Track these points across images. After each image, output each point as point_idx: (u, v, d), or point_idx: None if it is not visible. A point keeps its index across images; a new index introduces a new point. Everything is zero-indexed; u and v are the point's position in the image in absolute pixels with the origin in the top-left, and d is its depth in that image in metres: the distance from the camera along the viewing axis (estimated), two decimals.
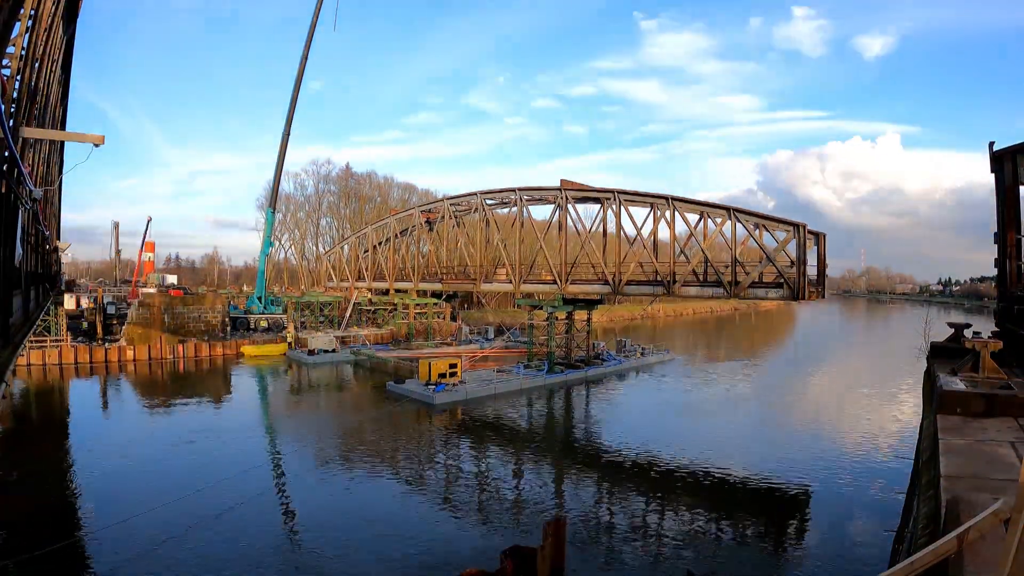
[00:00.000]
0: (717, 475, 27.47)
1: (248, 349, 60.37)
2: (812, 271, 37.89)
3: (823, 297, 39.06)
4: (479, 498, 24.60)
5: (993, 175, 14.09)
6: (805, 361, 72.07)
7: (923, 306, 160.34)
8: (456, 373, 43.88)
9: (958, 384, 9.43)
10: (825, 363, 71.57)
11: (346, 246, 79.26)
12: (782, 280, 38.73)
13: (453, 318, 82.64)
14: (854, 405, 43.91)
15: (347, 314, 74.25)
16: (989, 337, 11.81)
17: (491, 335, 74.14)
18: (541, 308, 53.52)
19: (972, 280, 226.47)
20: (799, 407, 44.72)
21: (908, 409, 40.46)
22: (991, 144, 13.85)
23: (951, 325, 13.35)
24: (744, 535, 21.23)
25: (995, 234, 13.92)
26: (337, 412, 40.95)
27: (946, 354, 12.18)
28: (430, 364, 43.24)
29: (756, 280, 40.42)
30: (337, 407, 42.36)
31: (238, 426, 35.80)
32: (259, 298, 71.64)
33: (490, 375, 48.00)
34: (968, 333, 12.51)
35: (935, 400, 9.05)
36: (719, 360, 71.14)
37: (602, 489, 26.03)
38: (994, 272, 14.17)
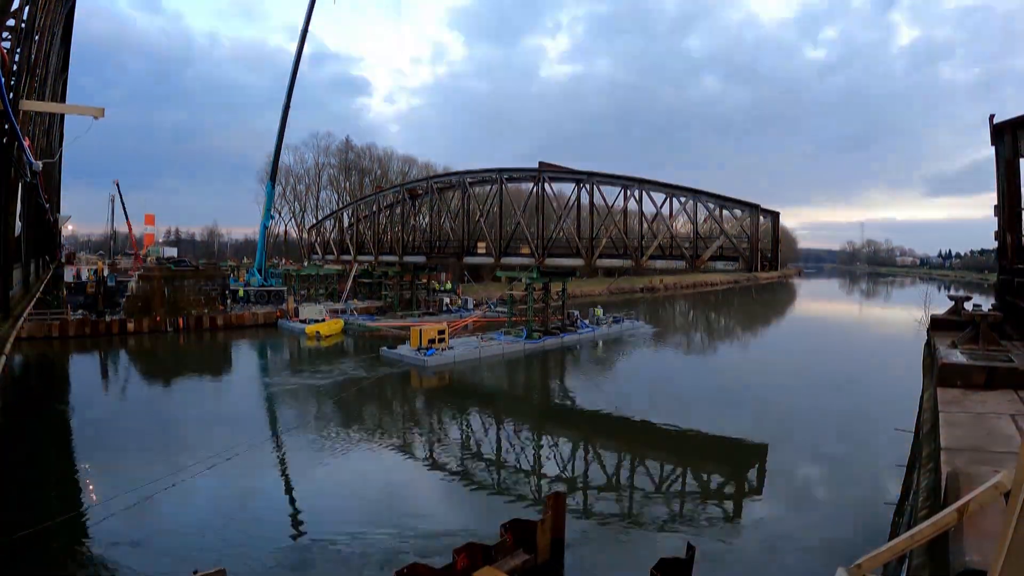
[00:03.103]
0: (700, 439, 27.26)
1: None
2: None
3: (776, 270, 40.90)
4: (475, 466, 24.00)
5: (993, 148, 13.57)
6: (787, 335, 70.83)
7: (922, 280, 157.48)
8: (444, 339, 44.43)
9: (958, 356, 9.02)
10: (812, 336, 68.23)
11: (341, 218, 76.90)
12: (737, 254, 39.45)
13: (454, 290, 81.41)
14: (850, 376, 41.70)
15: (347, 286, 72.79)
16: (989, 310, 11.35)
17: (470, 306, 73.61)
18: (520, 280, 53.46)
19: (973, 252, 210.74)
20: (787, 379, 42.16)
21: (906, 381, 38.27)
22: (991, 117, 13.37)
23: (951, 298, 12.79)
24: (741, 505, 20.38)
25: (995, 207, 13.44)
26: (333, 375, 39.84)
27: (946, 327, 11.75)
28: (421, 331, 43.59)
29: (717, 254, 40.81)
30: (331, 370, 41.37)
31: (236, 389, 35.21)
32: (259, 270, 69.85)
33: (475, 341, 48.06)
34: (968, 306, 12.05)
35: (935, 372, 8.66)
36: (690, 330, 70.69)
37: (593, 453, 25.48)
38: (994, 245, 13.76)
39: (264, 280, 69.18)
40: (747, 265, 38.68)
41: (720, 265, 41.68)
